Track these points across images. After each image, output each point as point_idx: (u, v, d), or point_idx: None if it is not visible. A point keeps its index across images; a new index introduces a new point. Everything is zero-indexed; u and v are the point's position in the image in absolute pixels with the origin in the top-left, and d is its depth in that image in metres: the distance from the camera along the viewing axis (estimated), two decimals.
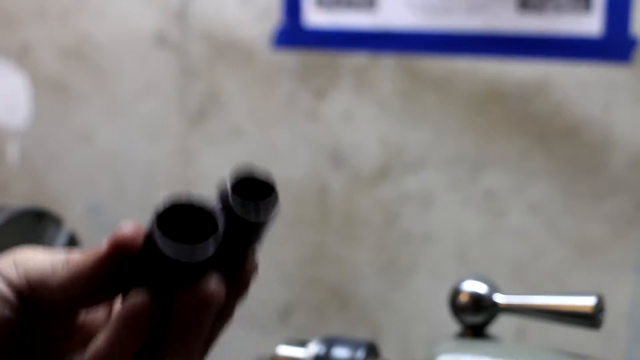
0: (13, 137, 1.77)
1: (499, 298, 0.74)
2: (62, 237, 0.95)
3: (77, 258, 0.42)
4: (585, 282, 1.35)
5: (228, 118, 1.57)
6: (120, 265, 0.41)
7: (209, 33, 1.57)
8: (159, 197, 0.39)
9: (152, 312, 0.40)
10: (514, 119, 1.38)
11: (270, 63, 1.53)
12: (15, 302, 0.42)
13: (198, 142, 1.59)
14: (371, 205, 1.49)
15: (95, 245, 0.42)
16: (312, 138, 1.52)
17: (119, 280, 0.41)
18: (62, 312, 0.44)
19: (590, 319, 0.70)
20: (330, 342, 0.78)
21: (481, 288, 0.75)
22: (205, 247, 0.37)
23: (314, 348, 0.78)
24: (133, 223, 0.41)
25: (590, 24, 1.30)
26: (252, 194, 0.40)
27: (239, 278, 0.42)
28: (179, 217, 0.39)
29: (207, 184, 1.55)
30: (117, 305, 0.45)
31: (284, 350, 0.80)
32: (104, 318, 0.46)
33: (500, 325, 0.80)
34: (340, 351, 0.77)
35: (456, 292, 0.75)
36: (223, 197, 0.39)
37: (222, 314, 0.43)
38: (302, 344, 0.80)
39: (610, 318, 0.78)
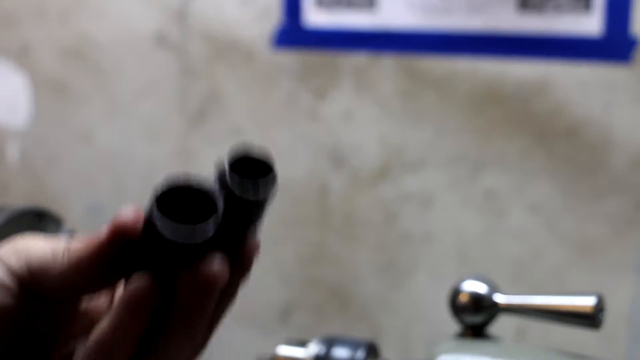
0: (13, 137, 1.77)
1: (499, 298, 0.74)
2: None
3: (77, 245, 0.42)
4: (585, 282, 1.35)
5: (228, 118, 1.57)
6: (121, 251, 0.41)
7: (209, 33, 1.57)
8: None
9: (154, 296, 0.40)
10: (514, 119, 1.38)
11: (270, 63, 1.53)
12: (16, 289, 0.42)
13: (198, 142, 1.59)
14: (371, 205, 1.49)
15: (95, 233, 0.42)
16: (312, 138, 1.52)
17: (121, 266, 0.41)
18: (64, 300, 0.44)
19: (590, 319, 0.70)
20: (330, 342, 0.78)
21: (481, 288, 0.75)
22: (205, 228, 0.37)
23: (314, 348, 0.78)
24: (133, 208, 0.41)
25: (590, 24, 1.30)
26: (250, 173, 0.39)
27: (240, 258, 0.41)
28: (178, 199, 0.38)
29: None
30: (119, 291, 0.44)
31: (284, 350, 0.80)
32: (106, 305, 0.46)
33: (500, 325, 0.80)
34: (340, 351, 0.77)
35: (456, 292, 0.75)
36: (221, 177, 0.39)
37: (225, 295, 0.42)
38: (302, 344, 0.80)
39: (610, 318, 0.78)
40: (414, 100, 1.44)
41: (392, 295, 1.49)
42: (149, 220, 0.38)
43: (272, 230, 1.55)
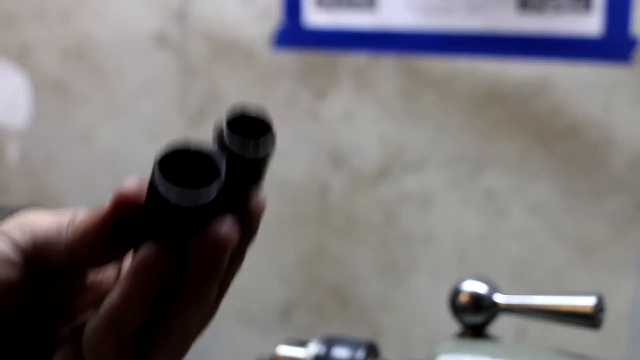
0: (13, 137, 1.77)
1: (499, 298, 0.74)
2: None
3: (82, 218, 0.41)
4: (585, 282, 1.35)
5: None
6: (126, 222, 0.40)
7: (209, 33, 1.57)
8: None
9: (163, 262, 0.39)
10: (514, 119, 1.38)
11: (270, 63, 1.53)
12: (21, 264, 0.42)
13: None
14: (371, 206, 1.49)
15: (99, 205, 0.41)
16: (312, 138, 1.52)
17: (126, 237, 0.41)
18: (70, 273, 0.43)
19: (590, 319, 0.70)
20: (330, 342, 0.78)
21: (481, 288, 0.75)
22: (208, 191, 0.37)
23: (314, 348, 0.78)
24: (136, 178, 0.40)
25: (590, 24, 1.30)
26: (249, 132, 0.39)
27: (247, 219, 0.41)
28: (179, 164, 0.38)
29: None
30: (127, 263, 0.44)
31: (284, 350, 0.80)
32: (114, 278, 0.46)
33: (500, 325, 0.80)
34: (340, 351, 0.77)
35: (456, 292, 0.75)
36: (220, 138, 0.39)
37: (233, 260, 0.42)
38: (302, 344, 0.80)
39: (610, 318, 0.78)
40: (414, 100, 1.44)
41: (392, 295, 1.49)
42: (152, 187, 0.38)
43: (272, 230, 1.55)
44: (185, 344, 0.43)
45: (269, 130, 0.40)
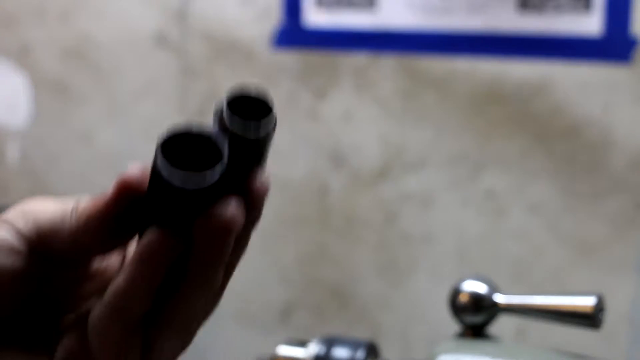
0: (13, 137, 1.77)
1: (499, 298, 0.74)
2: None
3: (85, 205, 0.41)
4: (585, 282, 1.35)
5: None
6: (130, 208, 0.40)
7: (209, 33, 1.57)
8: None
9: (168, 247, 0.39)
10: (514, 119, 1.38)
11: (270, 63, 1.53)
12: (25, 252, 0.42)
13: None
14: (371, 205, 1.49)
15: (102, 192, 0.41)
16: (312, 138, 1.52)
17: (130, 223, 0.41)
18: (74, 261, 0.43)
19: (590, 319, 0.70)
20: (330, 342, 0.78)
21: (481, 288, 0.75)
22: (212, 173, 0.37)
23: (314, 348, 0.78)
24: (139, 164, 0.40)
25: (590, 24, 1.30)
26: (249, 112, 0.39)
27: (251, 201, 0.40)
28: (181, 148, 0.38)
29: None
30: (131, 250, 0.44)
31: (284, 350, 0.80)
32: (118, 265, 0.46)
33: (500, 325, 0.80)
34: (340, 351, 0.77)
35: (456, 292, 0.75)
36: (221, 120, 0.39)
37: (238, 243, 0.41)
38: (302, 344, 0.80)
39: (610, 318, 0.78)
40: (414, 100, 1.44)
41: (392, 295, 1.49)
42: (154, 172, 0.38)
43: (272, 230, 1.55)
44: (190, 329, 0.42)
45: (269, 109, 0.40)
